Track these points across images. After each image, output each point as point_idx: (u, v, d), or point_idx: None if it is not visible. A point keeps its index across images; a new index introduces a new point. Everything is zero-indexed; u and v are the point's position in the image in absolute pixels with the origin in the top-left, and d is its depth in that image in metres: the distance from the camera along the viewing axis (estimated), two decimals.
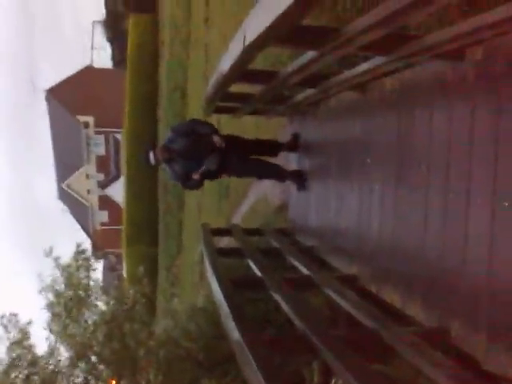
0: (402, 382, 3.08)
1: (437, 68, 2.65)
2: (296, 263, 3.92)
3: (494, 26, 2.05)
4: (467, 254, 2.32)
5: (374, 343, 2.47)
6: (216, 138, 4.81)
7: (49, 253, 7.87)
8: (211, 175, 5.06)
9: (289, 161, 5.37)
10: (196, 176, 4.86)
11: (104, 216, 32.90)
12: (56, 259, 7.82)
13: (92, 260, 8.39)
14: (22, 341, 6.96)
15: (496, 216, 2.16)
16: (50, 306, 7.35)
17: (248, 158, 5.14)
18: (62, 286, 7.61)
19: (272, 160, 5.30)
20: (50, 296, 7.51)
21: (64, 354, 7.06)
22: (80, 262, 8.05)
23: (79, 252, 8.21)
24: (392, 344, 2.32)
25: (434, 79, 2.70)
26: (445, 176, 2.53)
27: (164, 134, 16.54)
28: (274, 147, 5.27)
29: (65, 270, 7.75)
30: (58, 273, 7.74)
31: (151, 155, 4.82)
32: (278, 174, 5.20)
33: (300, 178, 4.93)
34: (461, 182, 2.40)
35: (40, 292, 7.54)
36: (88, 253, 8.54)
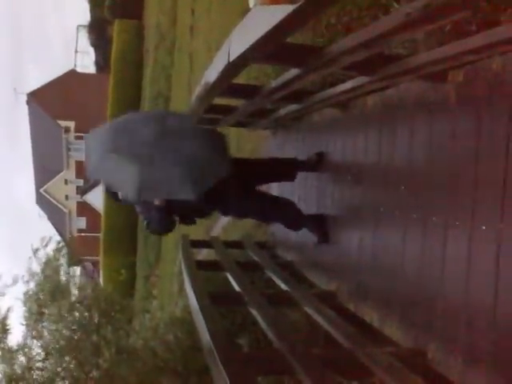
0: None
1: (419, 88, 2.67)
2: (275, 278, 3.91)
3: (473, 51, 2.08)
4: (445, 275, 2.34)
5: (350, 363, 2.46)
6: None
7: (47, 242, 7.96)
8: (193, 210, 3.83)
9: None
10: (158, 202, 3.47)
11: (82, 223, 32.52)
12: (35, 251, 7.79)
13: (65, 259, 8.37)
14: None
15: (473, 239, 2.17)
16: (27, 299, 7.24)
17: (251, 192, 3.99)
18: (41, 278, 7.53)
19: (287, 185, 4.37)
20: (31, 285, 7.44)
21: (36, 348, 6.92)
22: (59, 259, 8.06)
23: (58, 249, 8.23)
24: (368, 364, 2.32)
25: (416, 99, 2.73)
26: (424, 197, 2.55)
27: None
28: (292, 167, 4.22)
29: (46, 264, 7.71)
30: (36, 267, 7.71)
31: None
32: (294, 219, 4.08)
33: (322, 226, 3.83)
34: (439, 203, 2.41)
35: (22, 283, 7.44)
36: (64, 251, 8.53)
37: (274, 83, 3.16)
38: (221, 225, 8.28)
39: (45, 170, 31.18)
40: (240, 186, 3.80)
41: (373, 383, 2.56)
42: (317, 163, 4.07)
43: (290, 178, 4.27)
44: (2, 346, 6.71)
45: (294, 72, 2.70)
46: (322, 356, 2.57)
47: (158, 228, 3.78)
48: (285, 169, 4.19)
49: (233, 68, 2.28)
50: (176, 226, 3.78)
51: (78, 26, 34.30)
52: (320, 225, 3.83)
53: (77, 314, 6.92)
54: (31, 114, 31.74)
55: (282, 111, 4.35)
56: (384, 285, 2.91)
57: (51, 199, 31.87)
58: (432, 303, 2.40)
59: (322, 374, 2.17)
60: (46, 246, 8.09)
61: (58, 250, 8.26)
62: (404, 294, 2.67)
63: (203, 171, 3.33)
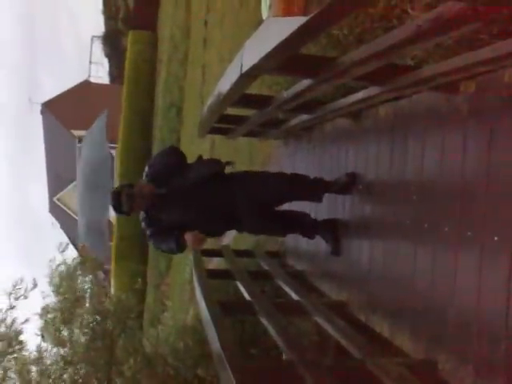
0: None
1: (431, 99, 2.68)
2: (285, 287, 3.91)
3: (484, 63, 2.09)
4: (456, 286, 2.33)
5: (360, 373, 2.46)
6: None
7: (64, 248, 8.08)
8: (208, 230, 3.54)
9: None
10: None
11: None
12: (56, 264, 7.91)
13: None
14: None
15: (485, 249, 2.17)
16: (45, 310, 7.31)
17: (264, 210, 3.71)
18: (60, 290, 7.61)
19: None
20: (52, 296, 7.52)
21: (53, 356, 6.95)
22: (79, 271, 8.17)
23: (81, 262, 8.35)
24: (378, 375, 2.31)
25: (428, 110, 2.74)
26: (435, 208, 2.55)
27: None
28: (318, 187, 3.74)
29: (65, 276, 7.81)
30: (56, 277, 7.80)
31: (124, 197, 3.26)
32: (305, 226, 3.90)
33: (334, 233, 3.72)
34: (451, 213, 2.41)
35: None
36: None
37: (285, 94, 3.19)
38: (231, 234, 8.30)
39: (58, 179, 31.41)
40: (251, 206, 3.58)
41: None
42: (347, 185, 3.56)
43: (316, 199, 3.81)
44: (17, 355, 6.77)
45: (306, 83, 2.73)
46: (331, 366, 2.57)
47: (168, 250, 3.56)
48: (307, 191, 3.76)
49: (245, 79, 2.31)
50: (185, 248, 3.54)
51: (93, 37, 34.71)
52: (333, 231, 3.72)
53: (95, 322, 6.99)
54: (45, 123, 32.05)
55: (294, 121, 4.37)
56: (395, 295, 2.90)
57: (64, 208, 32.06)
58: (443, 314, 2.39)
59: None
60: (63, 251, 8.23)
61: (79, 263, 8.40)
62: (415, 304, 2.66)
63: None
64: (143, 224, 3.51)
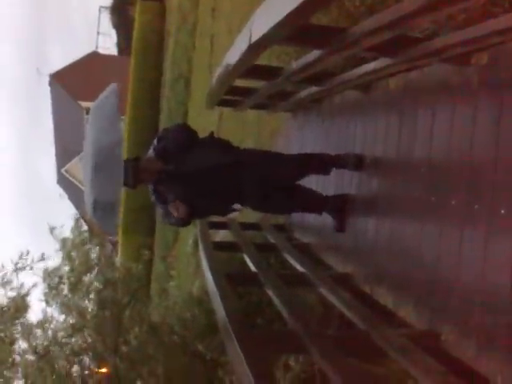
0: (390, 383, 3.11)
1: (441, 71, 2.65)
2: (291, 260, 3.94)
3: (498, 33, 2.06)
4: (462, 259, 2.34)
5: (364, 344, 2.49)
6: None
7: (52, 230, 8.07)
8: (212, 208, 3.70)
9: None
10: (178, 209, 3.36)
11: None
12: (52, 230, 7.94)
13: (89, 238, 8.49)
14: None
15: (492, 222, 2.16)
16: (48, 276, 7.35)
17: (269, 188, 3.66)
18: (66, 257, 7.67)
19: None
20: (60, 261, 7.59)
21: (60, 323, 7.02)
22: (81, 237, 8.23)
23: (77, 226, 8.38)
24: (382, 346, 2.34)
25: (439, 82, 2.71)
26: (443, 181, 2.54)
27: (166, 124, 16.48)
28: (325, 163, 3.78)
29: (66, 243, 7.86)
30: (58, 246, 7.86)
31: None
32: (313, 205, 3.87)
33: (341, 213, 3.69)
34: (459, 187, 2.40)
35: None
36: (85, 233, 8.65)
37: (295, 64, 3.16)
38: (238, 207, 8.32)
39: (66, 151, 31.47)
40: (258, 187, 3.61)
41: None
42: (354, 166, 3.58)
43: (324, 172, 3.84)
44: (23, 321, 6.85)
45: (316, 53, 2.69)
46: (336, 337, 2.60)
47: (176, 224, 3.62)
48: (314, 167, 3.80)
49: (254, 50, 2.29)
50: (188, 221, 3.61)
51: (100, 8, 34.26)
52: (340, 209, 3.69)
53: (104, 290, 7.07)
54: (53, 94, 31.98)
55: (303, 93, 4.34)
56: (400, 268, 2.92)
57: (72, 179, 32.20)
58: (448, 286, 2.40)
59: (336, 354, 2.20)
60: (78, 220, 8.30)
61: (77, 228, 8.42)
62: (420, 276, 2.67)
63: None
64: (152, 198, 3.52)
